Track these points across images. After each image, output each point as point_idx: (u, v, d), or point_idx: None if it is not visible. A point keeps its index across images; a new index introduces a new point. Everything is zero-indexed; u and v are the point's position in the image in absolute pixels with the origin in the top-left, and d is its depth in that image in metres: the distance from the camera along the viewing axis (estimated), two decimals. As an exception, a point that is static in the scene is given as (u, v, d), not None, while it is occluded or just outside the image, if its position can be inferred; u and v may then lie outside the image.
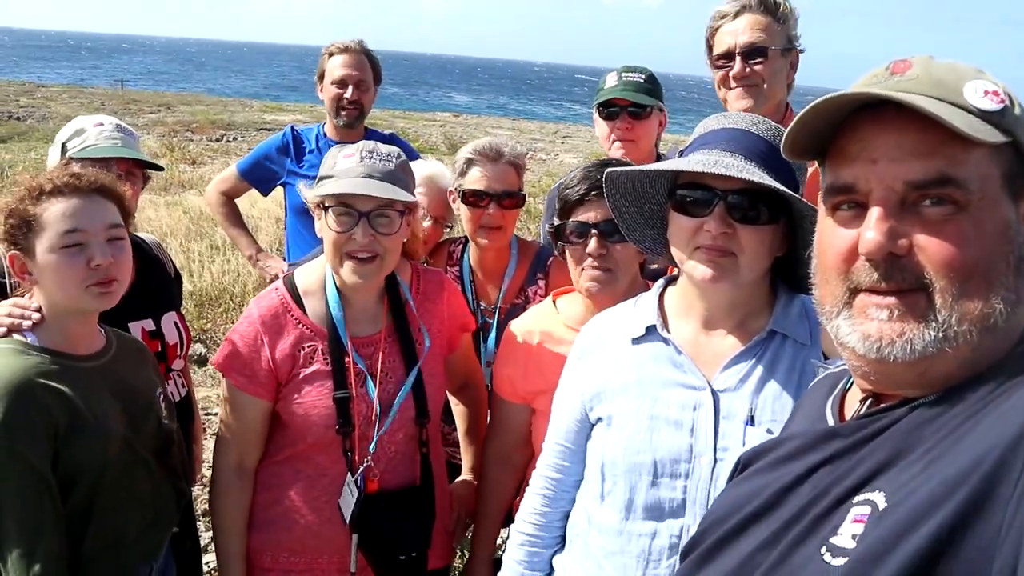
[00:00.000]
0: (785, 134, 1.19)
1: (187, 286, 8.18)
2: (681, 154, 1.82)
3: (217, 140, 21.10)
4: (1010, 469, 0.89)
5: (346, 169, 2.23)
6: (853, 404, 1.20)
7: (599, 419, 1.88)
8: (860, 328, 1.08)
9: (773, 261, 1.76)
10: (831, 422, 1.22)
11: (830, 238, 1.14)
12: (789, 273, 1.80)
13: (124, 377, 2.19)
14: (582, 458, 1.96)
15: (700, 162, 1.66)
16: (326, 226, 2.24)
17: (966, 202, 1.01)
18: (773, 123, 1.77)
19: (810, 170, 2.80)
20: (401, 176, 2.28)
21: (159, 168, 3.13)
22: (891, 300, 1.05)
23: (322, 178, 2.28)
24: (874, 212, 1.06)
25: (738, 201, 1.66)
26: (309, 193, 2.32)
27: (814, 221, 1.59)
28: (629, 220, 1.92)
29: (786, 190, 1.62)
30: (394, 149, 2.34)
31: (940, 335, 1.02)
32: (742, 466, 1.33)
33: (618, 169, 1.83)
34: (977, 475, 0.90)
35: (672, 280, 1.95)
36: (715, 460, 1.72)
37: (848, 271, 1.10)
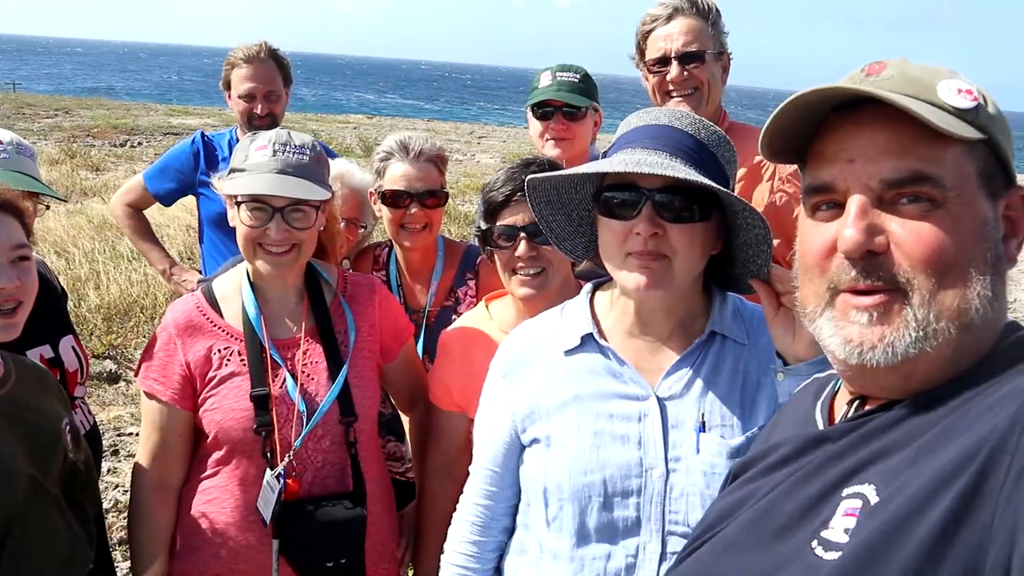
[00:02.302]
0: (761, 133, 1.19)
1: (94, 299, 7.83)
2: (604, 155, 1.74)
3: (120, 145, 20.25)
4: (998, 463, 0.89)
5: (258, 163, 2.17)
6: (843, 407, 1.20)
7: (535, 440, 1.78)
8: (841, 332, 1.09)
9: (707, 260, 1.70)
10: (821, 426, 1.21)
11: (810, 237, 1.14)
12: (720, 272, 1.76)
13: (25, 409, 2.00)
14: (512, 482, 1.86)
15: (623, 162, 1.58)
16: (239, 220, 2.19)
17: (942, 199, 1.02)
18: (697, 116, 1.71)
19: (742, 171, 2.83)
20: (316, 169, 2.23)
21: (63, 199, 2.94)
22: (870, 301, 1.06)
23: (234, 170, 2.22)
24: (851, 210, 1.06)
25: (666, 200, 1.58)
26: (221, 185, 2.26)
27: (747, 216, 1.58)
28: (558, 230, 1.84)
29: (714, 184, 1.54)
30: (307, 139, 2.28)
31: (921, 334, 1.02)
32: (732, 477, 1.33)
33: (539, 176, 1.74)
34: (970, 470, 0.90)
35: (600, 284, 1.88)
36: (667, 472, 1.64)
37: (828, 268, 1.11)
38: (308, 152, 2.22)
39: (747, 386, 1.71)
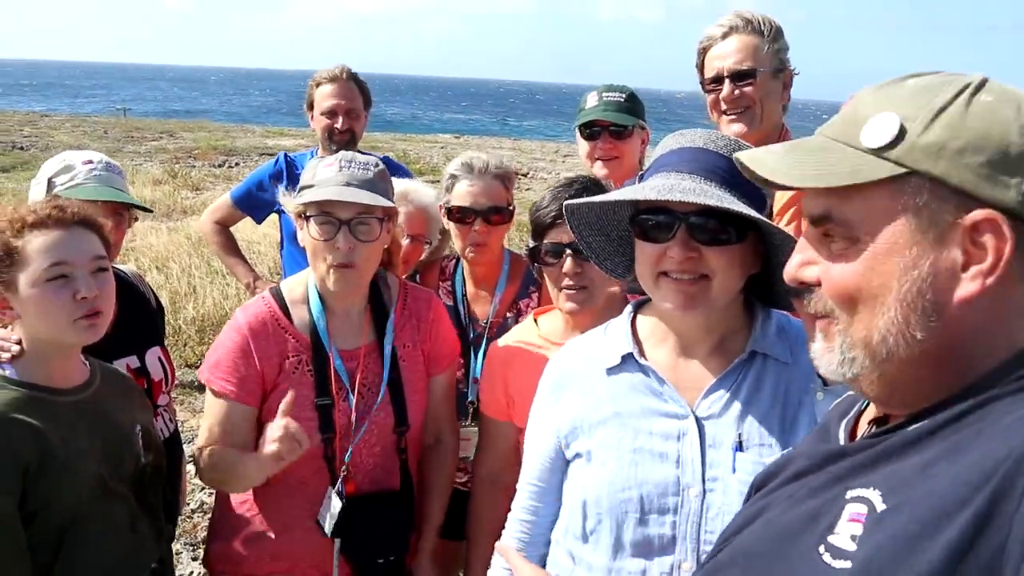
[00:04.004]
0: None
1: (189, 311, 8.20)
2: (641, 178, 1.76)
3: (219, 166, 21.15)
4: (1014, 485, 0.89)
5: (326, 178, 2.29)
6: (864, 425, 1.22)
7: (577, 455, 1.81)
8: (812, 347, 1.16)
9: (747, 279, 1.70)
10: (841, 442, 1.22)
11: None
12: (764, 288, 1.75)
13: (104, 412, 2.13)
14: (556, 497, 1.90)
15: (656, 188, 1.60)
16: (308, 235, 2.30)
17: (855, 237, 1.05)
18: (733, 138, 1.72)
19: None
20: (379, 183, 2.34)
21: (148, 210, 3.13)
22: (819, 325, 1.13)
23: (302, 188, 2.35)
24: (798, 243, 1.15)
25: (701, 223, 1.60)
26: (289, 203, 2.37)
27: (783, 237, 1.58)
28: (598, 249, 1.89)
29: (745, 210, 1.54)
30: (372, 158, 2.41)
31: (841, 357, 1.09)
32: (756, 488, 1.34)
33: (576, 201, 1.78)
34: (984, 491, 0.90)
35: (642, 303, 1.90)
36: (704, 491, 1.65)
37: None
38: (372, 168, 2.34)
39: (788, 405, 1.70)
